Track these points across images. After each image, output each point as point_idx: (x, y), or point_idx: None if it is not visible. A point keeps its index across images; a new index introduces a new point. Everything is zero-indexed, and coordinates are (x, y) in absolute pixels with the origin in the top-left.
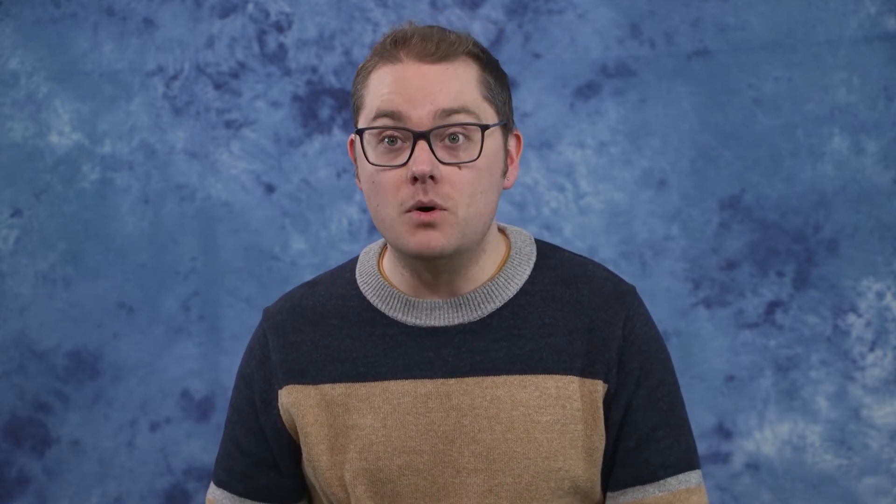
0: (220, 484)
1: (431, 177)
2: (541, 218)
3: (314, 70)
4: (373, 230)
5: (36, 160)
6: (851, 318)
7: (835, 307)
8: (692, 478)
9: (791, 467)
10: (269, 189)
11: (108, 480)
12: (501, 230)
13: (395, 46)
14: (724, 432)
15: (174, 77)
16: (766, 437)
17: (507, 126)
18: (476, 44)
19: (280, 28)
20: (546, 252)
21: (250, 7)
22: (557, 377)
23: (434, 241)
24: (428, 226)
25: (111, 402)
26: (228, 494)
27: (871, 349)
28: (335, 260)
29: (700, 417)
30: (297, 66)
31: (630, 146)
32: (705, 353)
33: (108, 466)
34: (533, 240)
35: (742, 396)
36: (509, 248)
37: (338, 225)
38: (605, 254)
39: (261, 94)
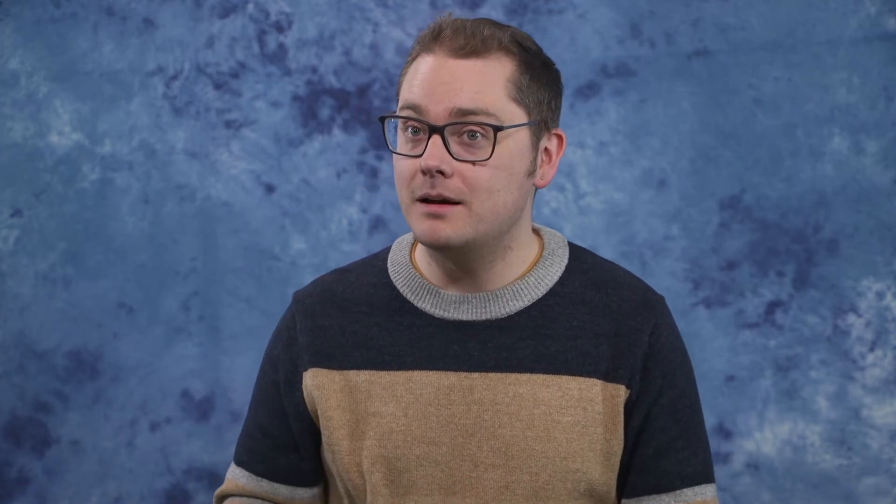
0: (240, 463)
1: (441, 171)
2: (541, 218)
3: (314, 70)
4: (373, 230)
5: (36, 160)
6: (851, 318)
7: (835, 307)
8: (708, 491)
9: (791, 467)
10: (269, 189)
11: (108, 480)
12: (536, 231)
13: (432, 38)
14: (724, 432)
15: (174, 77)
16: (766, 437)
17: (540, 126)
18: (515, 39)
19: (280, 28)
20: (578, 255)
21: (250, 7)
22: (581, 379)
23: (440, 232)
24: (436, 217)
25: (111, 402)
26: (247, 473)
27: (871, 349)
28: (335, 260)
29: None
30: (297, 66)
31: (630, 146)
32: (705, 353)
33: (108, 466)
34: (566, 242)
35: (742, 396)
36: (542, 248)
37: (338, 225)
38: (606, 254)
39: (261, 94)
